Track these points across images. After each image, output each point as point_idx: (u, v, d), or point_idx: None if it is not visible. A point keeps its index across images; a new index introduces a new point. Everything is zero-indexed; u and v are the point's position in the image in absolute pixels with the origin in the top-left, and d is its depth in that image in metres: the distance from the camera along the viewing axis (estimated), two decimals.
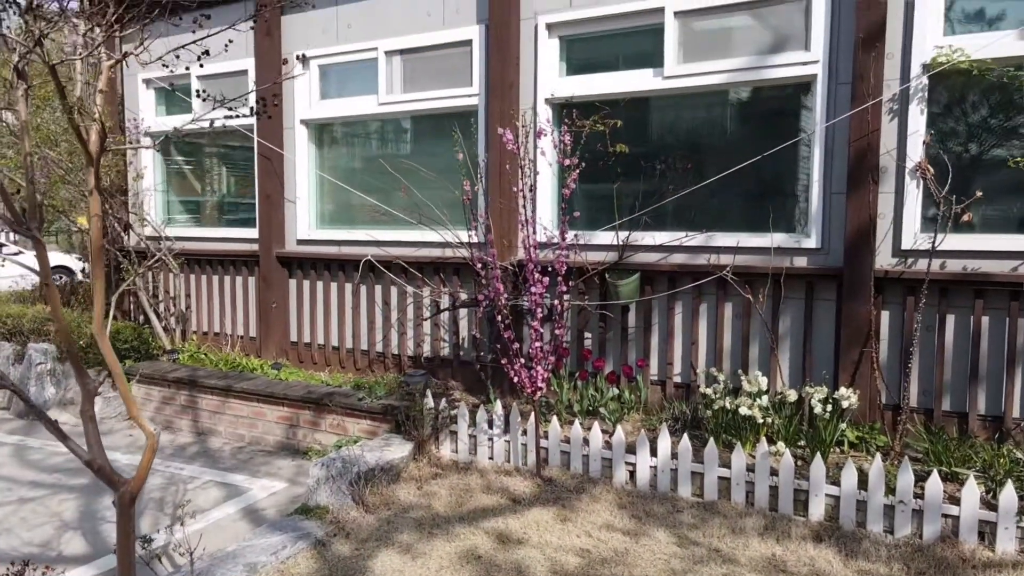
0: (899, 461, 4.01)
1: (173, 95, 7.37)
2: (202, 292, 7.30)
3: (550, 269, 4.53)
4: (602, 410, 4.80)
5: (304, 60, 6.48)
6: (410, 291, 6.04)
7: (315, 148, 6.67)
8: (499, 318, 4.45)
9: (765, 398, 4.25)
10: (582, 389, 4.86)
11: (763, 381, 4.37)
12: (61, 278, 12.42)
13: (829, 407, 4.12)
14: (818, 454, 3.90)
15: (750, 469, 4.06)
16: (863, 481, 3.80)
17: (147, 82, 7.48)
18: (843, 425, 4.15)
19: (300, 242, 6.62)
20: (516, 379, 4.41)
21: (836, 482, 3.87)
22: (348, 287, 6.40)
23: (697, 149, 5.15)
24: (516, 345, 4.44)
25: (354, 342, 6.39)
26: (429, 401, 5.02)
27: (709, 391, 4.47)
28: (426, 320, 5.99)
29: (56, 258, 13.58)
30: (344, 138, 6.74)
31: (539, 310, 4.38)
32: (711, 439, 4.15)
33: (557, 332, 4.47)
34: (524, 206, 4.44)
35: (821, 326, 4.63)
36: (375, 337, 6.29)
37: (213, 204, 7.76)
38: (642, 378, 5.02)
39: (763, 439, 4.00)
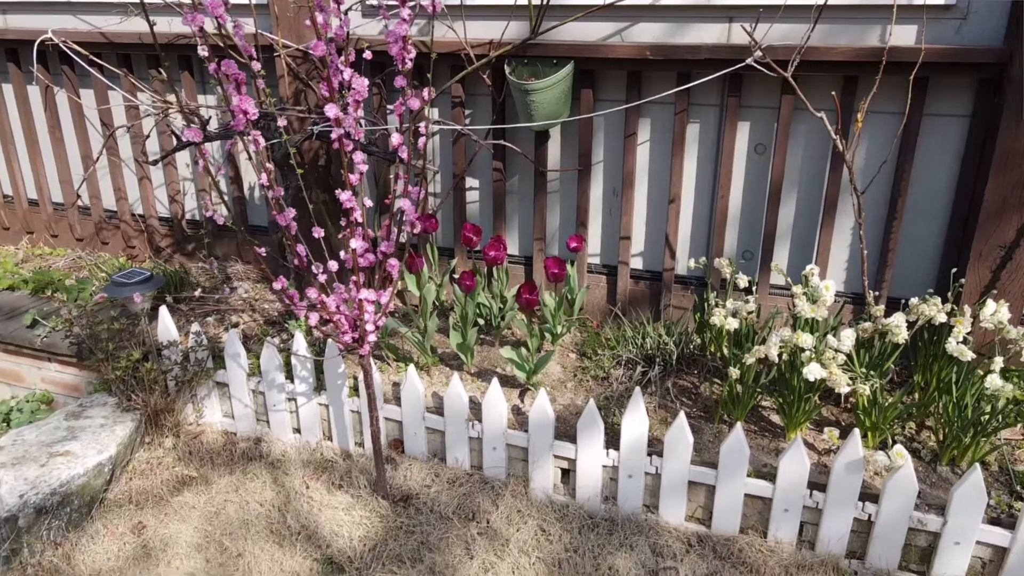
0: None
1: None
2: None
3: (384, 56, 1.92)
4: (504, 347, 2.49)
5: None
6: (147, 102, 3.25)
7: None
8: (264, 159, 1.87)
9: (847, 339, 2.01)
10: (463, 306, 2.45)
11: (828, 288, 2.12)
12: None
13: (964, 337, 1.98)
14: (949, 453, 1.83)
15: (818, 487, 1.96)
16: None
17: None
18: (998, 382, 2.00)
19: None
20: (316, 323, 1.95)
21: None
22: (36, 94, 3.51)
23: None
24: (321, 232, 1.92)
25: (64, 192, 3.63)
26: (168, 329, 2.53)
27: (719, 313, 2.20)
28: (175, 154, 3.28)
29: None
30: None
31: (355, 151, 1.82)
32: (738, 420, 1.98)
33: (411, 190, 1.94)
34: None
35: (930, 169, 2.38)
36: (98, 186, 3.54)
37: None
38: (575, 267, 2.70)
39: (853, 434, 1.85)
